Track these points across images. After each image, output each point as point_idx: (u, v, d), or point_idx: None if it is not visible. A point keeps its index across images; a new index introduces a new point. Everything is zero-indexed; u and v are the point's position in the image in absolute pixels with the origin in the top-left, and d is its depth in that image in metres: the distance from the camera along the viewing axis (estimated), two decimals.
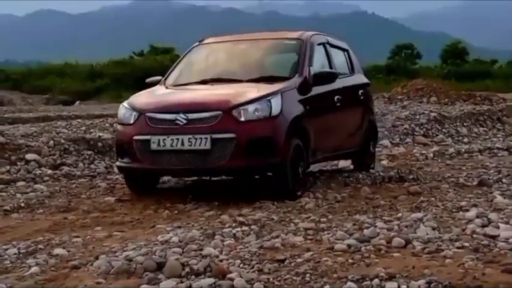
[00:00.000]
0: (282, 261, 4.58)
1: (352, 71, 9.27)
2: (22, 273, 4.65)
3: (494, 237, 5.01)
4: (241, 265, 4.53)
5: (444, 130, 14.29)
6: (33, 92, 38.43)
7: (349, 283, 4.00)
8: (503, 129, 14.80)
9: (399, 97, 19.85)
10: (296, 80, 7.24)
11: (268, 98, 6.59)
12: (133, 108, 6.94)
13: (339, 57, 8.94)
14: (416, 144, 12.92)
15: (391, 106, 18.25)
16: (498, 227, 5.31)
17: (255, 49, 8.42)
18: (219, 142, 6.34)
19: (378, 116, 15.40)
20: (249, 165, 6.57)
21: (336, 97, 7.99)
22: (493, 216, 5.73)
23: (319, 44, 8.24)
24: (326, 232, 5.47)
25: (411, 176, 8.62)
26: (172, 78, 8.13)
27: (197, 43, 8.70)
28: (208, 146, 6.32)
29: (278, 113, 6.54)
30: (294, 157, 6.73)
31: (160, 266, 4.47)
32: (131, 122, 6.84)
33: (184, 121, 6.44)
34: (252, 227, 5.73)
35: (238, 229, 5.62)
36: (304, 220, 6.01)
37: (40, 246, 5.35)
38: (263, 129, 6.50)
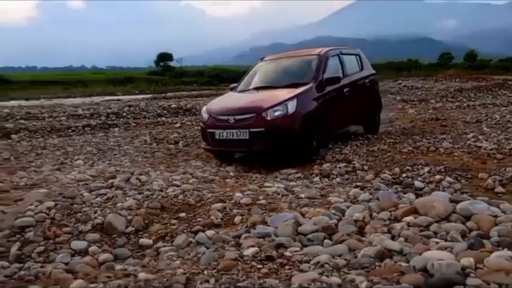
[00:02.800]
0: (377, 156, 6.17)
1: (362, 68, 8.72)
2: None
3: (479, 147, 6.25)
4: (357, 157, 6.19)
5: (462, 95, 15.30)
6: None
7: (407, 167, 5.46)
8: (492, 95, 15.42)
9: (441, 79, 23.08)
10: (313, 85, 6.93)
11: (286, 102, 6.40)
12: (208, 111, 6.99)
13: (351, 60, 8.51)
14: (447, 102, 13.82)
15: (436, 83, 20.58)
16: (482, 142, 6.54)
17: (290, 64, 8.01)
18: (254, 134, 6.30)
19: (428, 87, 18.19)
20: (273, 147, 6.35)
21: (345, 89, 7.60)
22: (480, 137, 6.96)
23: (333, 56, 7.85)
24: (398, 144, 6.98)
25: (443, 117, 9.84)
26: (241, 85, 7.98)
27: (259, 60, 8.55)
28: (247, 137, 6.34)
29: (293, 111, 6.35)
30: (308, 136, 6.48)
31: (323, 158, 6.44)
32: (206, 120, 6.91)
33: (233, 121, 6.47)
34: (364, 141, 7.45)
35: (357, 142, 7.40)
36: (388, 139, 7.57)
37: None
38: (282, 123, 6.29)
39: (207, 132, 6.88)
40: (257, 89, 7.54)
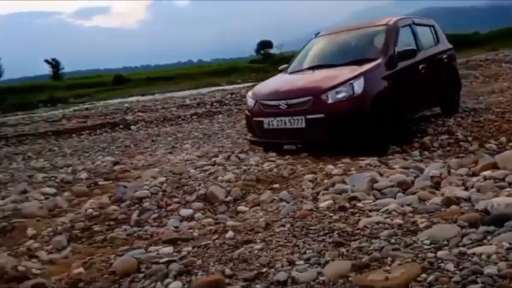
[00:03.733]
0: (482, 126, 6.01)
1: (437, 41, 7.51)
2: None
3: None
4: (461, 129, 6.05)
5: None
6: None
7: None
8: None
9: None
10: (382, 60, 5.75)
11: (351, 81, 5.27)
12: (253, 96, 5.97)
13: (425, 32, 7.26)
14: None
15: None
16: None
17: (351, 37, 6.80)
18: (311, 121, 5.24)
19: None
20: (336, 137, 5.29)
21: (420, 66, 6.39)
22: None
23: (404, 26, 6.58)
24: (507, 113, 6.55)
25: None
26: (292, 65, 6.86)
27: (314, 36, 7.39)
28: (303, 125, 5.29)
29: (360, 92, 5.23)
30: (379, 124, 5.32)
31: (424, 131, 6.38)
32: (251, 107, 5.90)
33: (286, 106, 5.43)
34: (470, 112, 7.08)
35: (462, 114, 7.05)
36: (496, 109, 7.07)
37: None
38: (347, 107, 5.18)
39: (253, 121, 5.86)
40: (312, 68, 6.39)
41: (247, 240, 2.02)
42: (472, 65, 14.93)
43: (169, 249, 2.17)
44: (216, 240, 2.13)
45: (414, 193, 2.42)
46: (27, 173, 6.14)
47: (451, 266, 1.45)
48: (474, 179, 2.43)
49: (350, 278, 1.48)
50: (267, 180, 4.35)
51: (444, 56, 7.50)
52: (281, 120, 5.49)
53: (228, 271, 1.71)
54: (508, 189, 2.17)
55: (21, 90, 38.85)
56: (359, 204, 2.36)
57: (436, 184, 2.59)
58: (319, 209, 2.35)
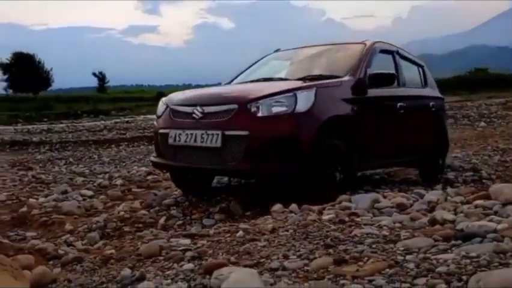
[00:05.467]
0: (508, 166, 6.26)
1: (425, 84, 6.20)
2: None
3: None
4: (486, 167, 6.34)
5: None
6: None
7: None
8: None
9: None
10: (346, 79, 4.49)
11: (295, 92, 3.91)
12: (166, 102, 4.64)
13: (412, 70, 5.96)
14: None
15: None
16: None
17: (317, 53, 5.51)
18: (231, 140, 3.87)
19: None
20: (262, 170, 3.90)
21: (399, 104, 5.09)
22: None
23: (383, 52, 5.29)
24: None
25: None
26: (234, 80, 5.61)
27: (273, 52, 6.05)
28: (218, 144, 3.88)
29: (306, 109, 3.87)
30: (328, 161, 4.00)
31: (448, 166, 6.66)
32: (160, 115, 4.62)
33: (200, 115, 4.05)
34: (499, 151, 7.44)
35: (490, 152, 7.37)
36: None
37: None
38: (283, 127, 3.84)
39: (158, 134, 4.54)
40: (257, 81, 5.16)
41: (254, 239, 2.38)
42: (511, 106, 14.84)
43: (187, 241, 2.56)
44: (228, 238, 2.50)
45: (408, 213, 2.72)
46: (68, 176, 6.71)
47: (411, 265, 1.77)
48: (465, 206, 2.70)
49: (329, 269, 1.80)
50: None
51: (432, 103, 6.06)
52: (191, 134, 4.07)
53: (232, 259, 2.07)
54: (492, 216, 2.42)
55: (67, 100, 40.96)
56: (357, 219, 2.67)
57: (431, 208, 2.87)
58: (321, 221, 2.67)
